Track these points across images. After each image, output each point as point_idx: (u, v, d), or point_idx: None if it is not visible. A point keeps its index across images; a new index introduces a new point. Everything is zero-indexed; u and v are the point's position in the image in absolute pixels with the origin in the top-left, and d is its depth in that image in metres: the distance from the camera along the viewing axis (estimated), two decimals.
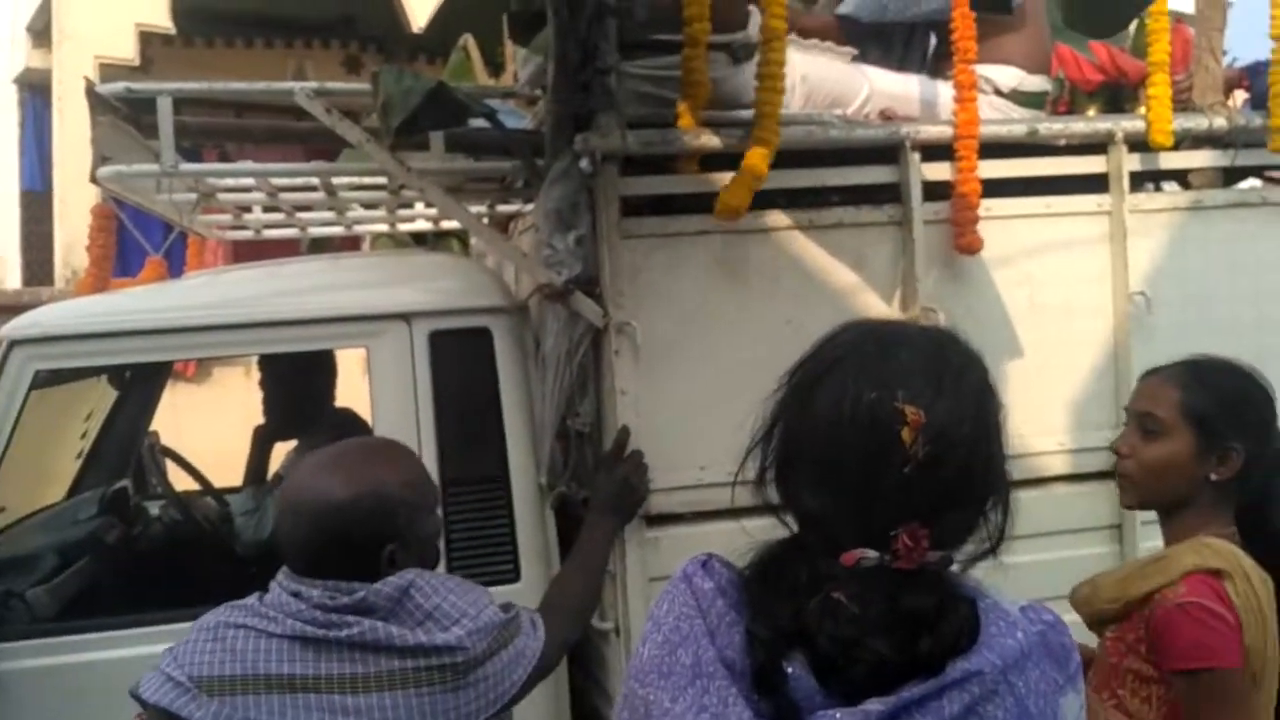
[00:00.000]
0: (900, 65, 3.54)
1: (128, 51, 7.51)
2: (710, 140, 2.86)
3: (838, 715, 1.02)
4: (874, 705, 1.02)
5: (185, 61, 8.01)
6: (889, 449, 1.05)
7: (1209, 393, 1.88)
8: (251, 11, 8.17)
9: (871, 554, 1.05)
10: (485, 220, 3.89)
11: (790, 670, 1.05)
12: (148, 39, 7.70)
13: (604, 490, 2.70)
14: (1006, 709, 1.04)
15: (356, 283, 3.09)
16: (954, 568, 1.12)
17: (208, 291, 3.07)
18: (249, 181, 3.36)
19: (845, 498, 1.08)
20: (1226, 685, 1.69)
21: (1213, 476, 1.85)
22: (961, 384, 1.11)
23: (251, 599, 1.69)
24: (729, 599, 1.12)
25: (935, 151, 2.99)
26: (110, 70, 7.02)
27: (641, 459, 2.74)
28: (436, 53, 7.70)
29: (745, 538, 1.19)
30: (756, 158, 2.70)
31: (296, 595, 1.64)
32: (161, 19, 7.53)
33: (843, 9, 3.62)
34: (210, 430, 5.71)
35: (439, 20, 7.26)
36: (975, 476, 1.10)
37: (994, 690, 1.03)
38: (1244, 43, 3.61)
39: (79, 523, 3.33)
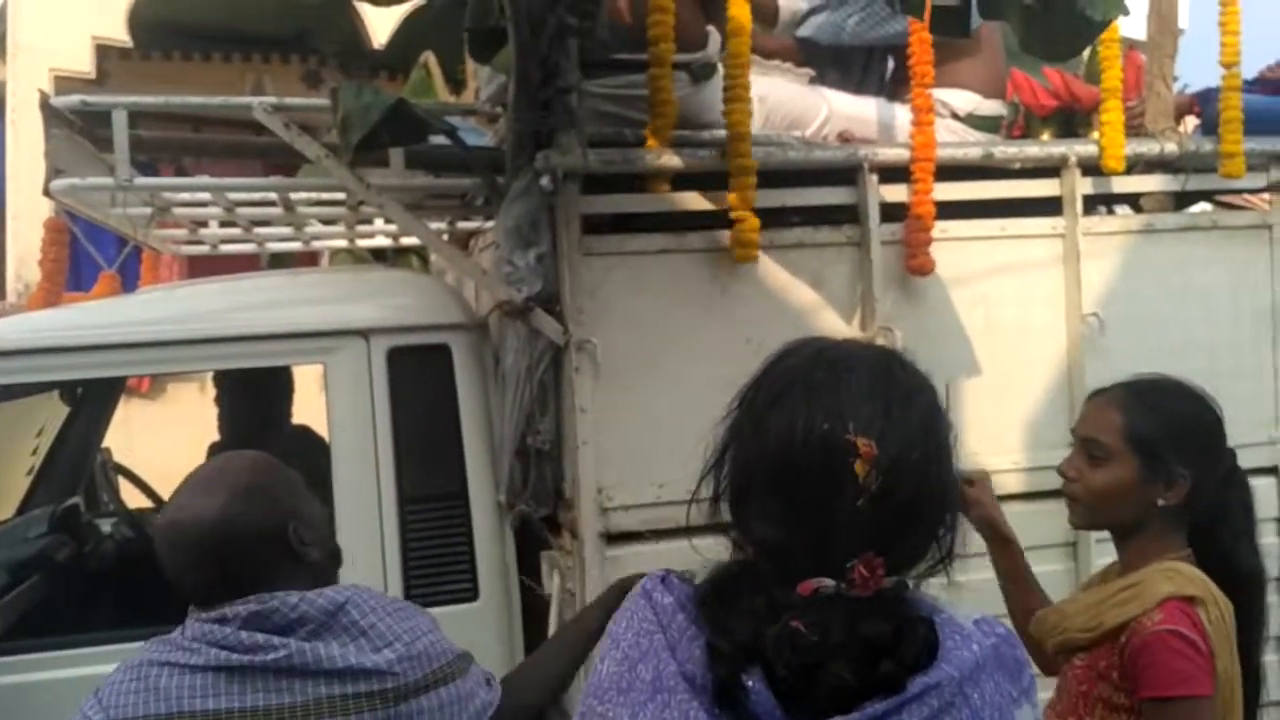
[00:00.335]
0: (858, 88, 3.59)
1: (84, 64, 7.41)
2: (671, 160, 2.88)
3: None
4: None
5: (142, 75, 7.90)
6: (842, 481, 1.05)
7: (1153, 417, 1.85)
8: (209, 25, 8.08)
9: (829, 583, 1.05)
10: (445, 237, 3.88)
11: (750, 684, 1.05)
12: (104, 52, 7.60)
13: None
14: None
15: (314, 298, 3.08)
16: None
17: (163, 306, 3.04)
18: (205, 196, 3.33)
19: (799, 528, 1.08)
20: (1199, 714, 1.69)
21: (1160, 502, 1.84)
22: (911, 409, 1.11)
23: (175, 632, 1.60)
24: (688, 614, 1.12)
25: (893, 173, 3.03)
26: (66, 83, 6.93)
27: None
28: (397, 69, 7.67)
29: (709, 555, 1.19)
30: (740, 190, 2.79)
31: (221, 620, 1.55)
32: (118, 32, 7.44)
33: (802, 32, 3.66)
34: (164, 446, 5.62)
35: (399, 37, 7.24)
36: (928, 502, 1.10)
37: (950, 703, 1.04)
38: (1195, 70, 3.68)
39: (29, 540, 3.27)
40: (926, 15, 2.41)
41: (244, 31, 8.17)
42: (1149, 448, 1.84)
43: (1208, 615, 1.73)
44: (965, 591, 1.17)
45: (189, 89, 6.75)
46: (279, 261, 4.38)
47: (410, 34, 6.80)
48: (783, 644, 1.04)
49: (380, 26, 7.44)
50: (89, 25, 7.41)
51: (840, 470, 1.05)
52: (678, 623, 1.11)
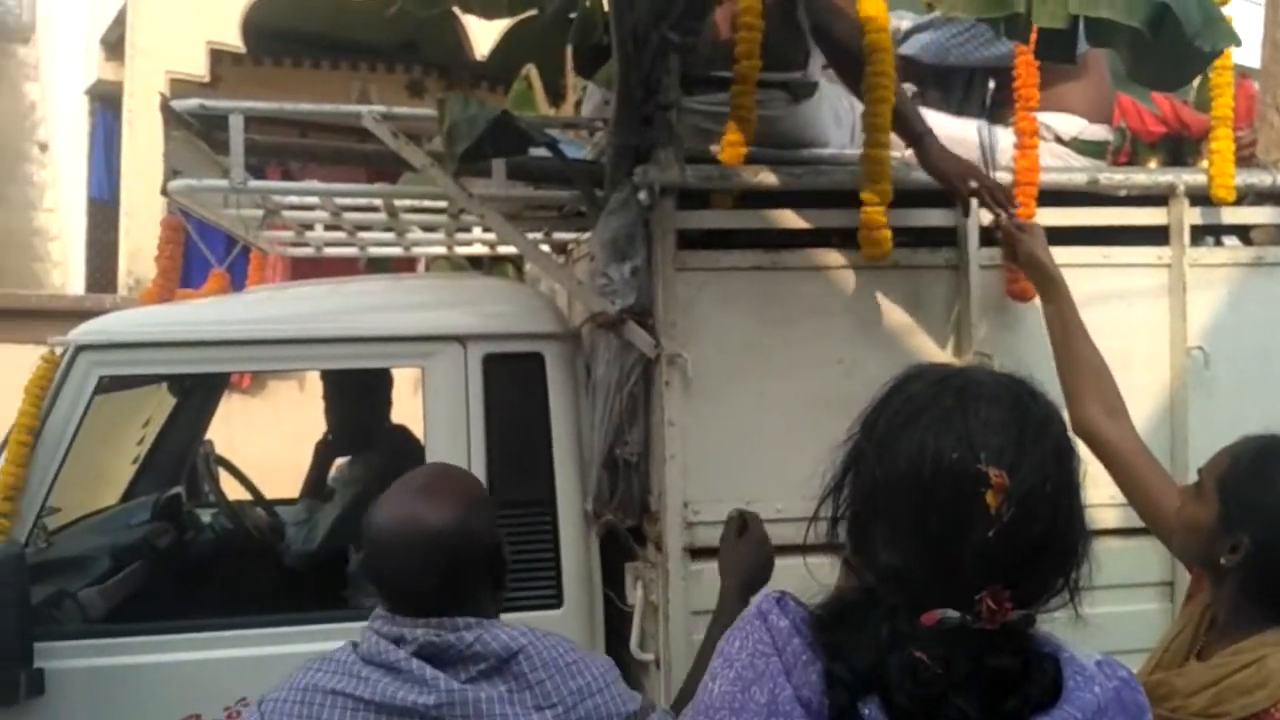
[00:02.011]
0: (960, 109, 3.55)
1: (198, 68, 7.69)
2: (768, 178, 2.88)
3: None
4: None
5: (253, 80, 8.18)
6: (972, 512, 1.04)
7: (1250, 473, 1.81)
8: (319, 34, 8.34)
9: (953, 614, 1.04)
10: (541, 247, 3.94)
11: (867, 713, 1.04)
12: (218, 57, 7.88)
13: (741, 567, 2.11)
14: None
15: (414, 304, 3.15)
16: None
17: (269, 306, 3.14)
18: (313, 200, 3.43)
19: (926, 558, 1.08)
20: None
21: (1221, 560, 1.79)
22: (1042, 441, 1.10)
23: (346, 649, 1.62)
24: (804, 638, 1.11)
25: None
26: (180, 86, 7.19)
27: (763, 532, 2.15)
28: (498, 80, 7.81)
29: (792, 574, 1.19)
30: (874, 183, 2.76)
31: (398, 641, 1.57)
32: (232, 38, 7.71)
33: (905, 49, 3.64)
34: (262, 442, 5.80)
35: (501, 48, 7.32)
36: (1058, 536, 1.09)
37: None
38: None
39: (132, 527, 3.40)
40: (1033, 39, 2.38)
41: (352, 40, 8.40)
42: (1230, 500, 1.80)
43: None
44: (1092, 628, 1.15)
45: (298, 94, 6.96)
46: (377, 265, 4.48)
47: (512, 46, 6.85)
48: (905, 675, 1.03)
49: (483, 38, 7.59)
50: (204, 30, 7.69)
51: (971, 501, 1.05)
52: (793, 647, 1.10)
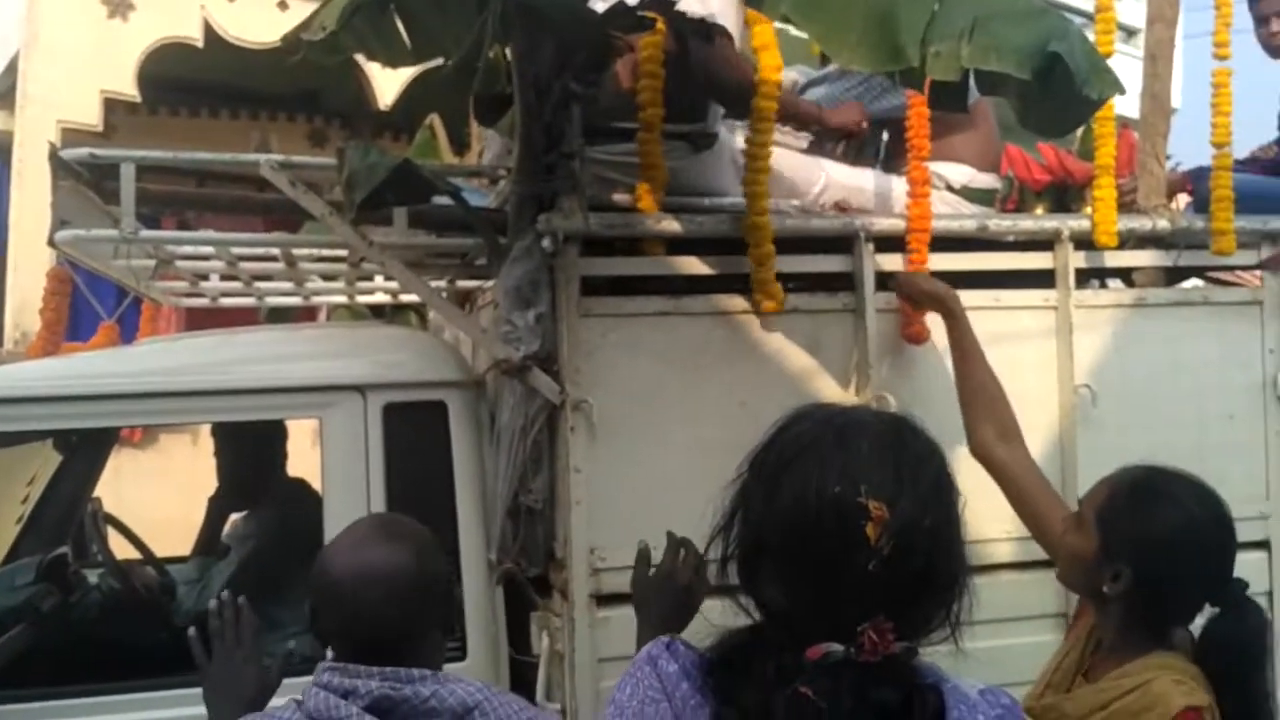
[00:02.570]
0: (855, 159, 3.64)
1: (92, 118, 7.49)
2: (671, 225, 2.92)
3: None
4: None
5: (148, 130, 8.00)
6: (853, 545, 1.06)
7: (1127, 506, 1.87)
8: (216, 83, 8.20)
9: (837, 648, 1.06)
10: (444, 295, 3.91)
11: None
12: (112, 106, 7.69)
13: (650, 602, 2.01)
14: None
15: (311, 353, 3.09)
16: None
17: (161, 358, 3.05)
18: (207, 249, 3.36)
19: (810, 592, 1.09)
20: None
21: (1104, 589, 1.85)
22: (921, 474, 1.13)
23: (290, 708, 1.56)
24: (693, 682, 1.12)
25: (889, 243, 3.07)
26: (73, 136, 7.00)
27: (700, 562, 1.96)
28: (402, 130, 7.78)
29: (696, 620, 1.19)
30: (758, 248, 2.87)
31: (348, 695, 1.52)
32: (127, 87, 7.53)
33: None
34: (154, 497, 5.60)
35: (405, 98, 7.35)
36: (939, 568, 1.12)
37: None
38: (1187, 148, 3.74)
39: (15, 589, 3.24)
40: (926, 89, 2.46)
41: (251, 90, 8.29)
42: (1109, 531, 1.85)
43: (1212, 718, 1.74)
44: (972, 661, 1.17)
45: (195, 144, 6.82)
46: (277, 316, 4.40)
47: (416, 96, 6.91)
48: (791, 712, 1.04)
49: (387, 87, 7.55)
50: (98, 79, 7.50)
51: (852, 534, 1.07)
52: (682, 691, 1.11)
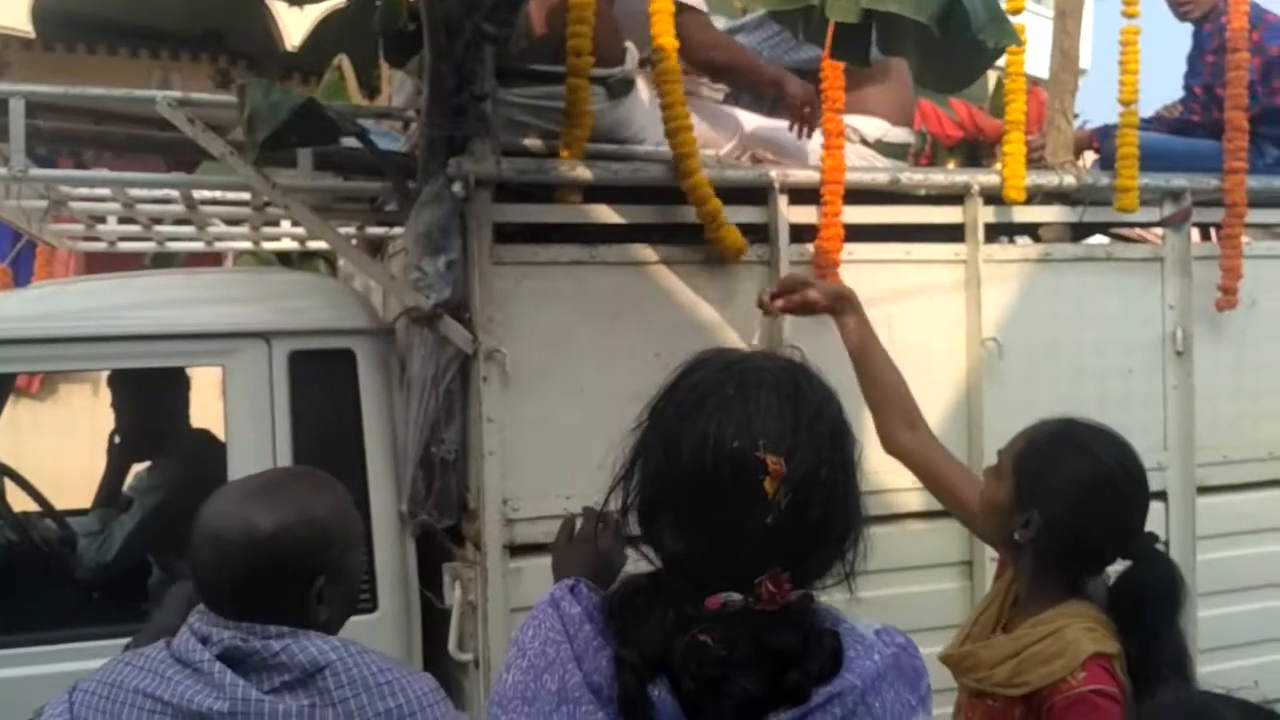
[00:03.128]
0: (771, 110, 3.63)
1: None
2: (584, 172, 2.88)
3: None
4: None
5: (44, 67, 7.65)
6: (751, 498, 1.06)
7: (1042, 453, 1.90)
8: (116, 20, 7.86)
9: (736, 597, 1.06)
10: (354, 242, 3.82)
11: (656, 694, 1.06)
12: (6, 42, 7.34)
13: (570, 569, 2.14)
14: None
15: (214, 298, 2.99)
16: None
17: (55, 302, 2.93)
18: (104, 191, 3.23)
19: (708, 543, 1.09)
20: None
21: (1015, 535, 1.89)
22: (819, 425, 1.12)
23: (160, 646, 1.55)
24: (596, 624, 1.12)
25: (803, 195, 3.07)
26: None
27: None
28: (310, 72, 7.54)
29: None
30: (703, 203, 2.85)
31: (205, 641, 1.51)
32: (20, 22, 7.19)
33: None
34: (55, 449, 5.43)
35: (313, 39, 7.12)
36: (835, 519, 1.12)
37: (853, 711, 1.06)
38: (1096, 107, 3.80)
39: None
40: (828, 40, 2.45)
41: (153, 27, 7.97)
42: (1022, 480, 1.89)
43: (1119, 668, 1.78)
44: (866, 606, 1.18)
45: (93, 83, 6.53)
46: (167, 261, 4.25)
47: (324, 36, 6.70)
48: (689, 657, 1.05)
49: (294, 28, 7.31)
50: None
51: (750, 487, 1.07)
52: (584, 633, 1.11)
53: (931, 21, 2.14)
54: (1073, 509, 1.85)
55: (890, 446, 2.26)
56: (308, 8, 4.97)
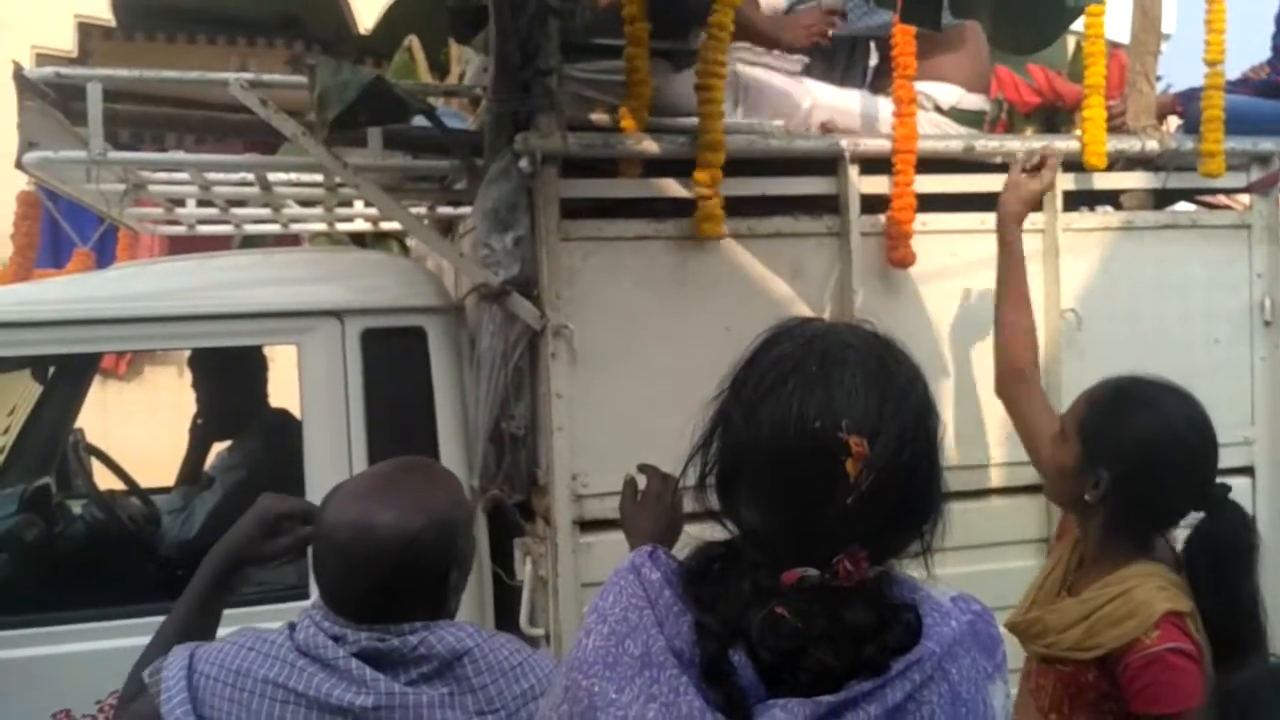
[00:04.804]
0: (843, 80, 3.57)
1: (66, 43, 7.35)
2: (651, 146, 2.86)
3: (791, 704, 1.03)
4: (825, 697, 1.03)
5: (125, 55, 7.83)
6: (833, 479, 1.05)
7: (1107, 414, 1.88)
8: (194, 7, 8.02)
9: (813, 573, 1.06)
10: (425, 221, 3.85)
11: (736, 660, 1.06)
12: (87, 31, 7.54)
13: (642, 530, 1.92)
14: (941, 694, 1.06)
15: (288, 278, 3.03)
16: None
17: (134, 283, 2.99)
18: (183, 175, 3.29)
19: (786, 520, 1.09)
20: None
21: (1086, 497, 1.87)
22: (904, 406, 1.10)
23: (282, 634, 1.53)
24: (675, 590, 1.12)
25: (874, 165, 3.02)
26: (47, 60, 6.85)
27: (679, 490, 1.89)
28: (384, 55, 7.55)
29: (690, 542, 1.19)
30: (704, 176, 2.78)
31: (338, 640, 1.49)
32: (102, 11, 7.38)
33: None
34: (141, 429, 5.59)
35: (386, 22, 7.17)
36: (915, 501, 1.11)
37: (930, 677, 1.05)
38: (1182, 73, 3.65)
39: None
40: (899, 6, 2.40)
41: (228, 14, 8.11)
42: (1089, 441, 1.88)
43: (1195, 626, 1.77)
44: (944, 583, 1.17)
45: (173, 70, 6.68)
46: (253, 244, 4.33)
47: (396, 19, 6.75)
48: (767, 629, 1.04)
49: (368, 12, 7.39)
50: (73, 4, 7.35)
51: (832, 468, 1.05)
52: (665, 599, 1.11)
53: None
54: (1142, 465, 1.83)
55: (1004, 390, 2.43)
56: None
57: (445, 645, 1.52)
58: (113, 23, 7.43)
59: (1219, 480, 1.88)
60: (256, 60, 8.36)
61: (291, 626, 1.55)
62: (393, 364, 2.87)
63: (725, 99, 2.96)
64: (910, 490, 1.09)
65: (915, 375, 1.15)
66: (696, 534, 1.19)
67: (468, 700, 1.52)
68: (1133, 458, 1.83)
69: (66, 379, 3.67)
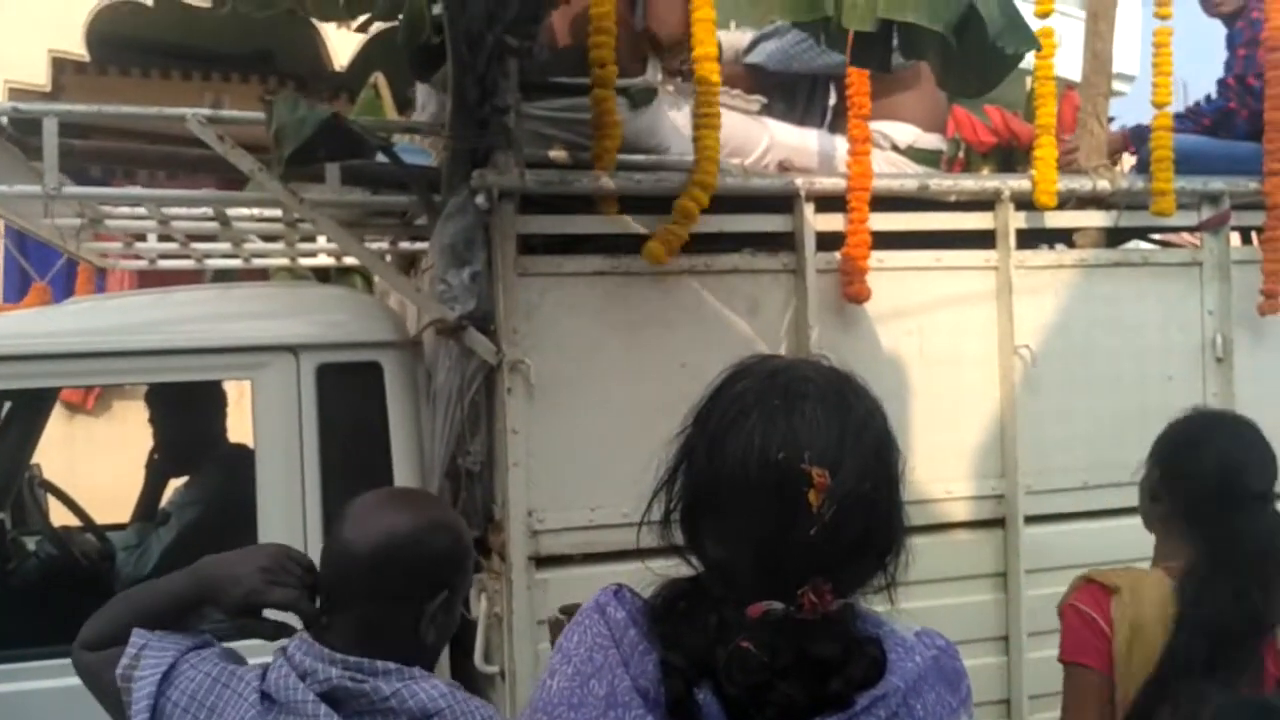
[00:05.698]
0: (802, 119, 3.62)
1: (39, 77, 7.34)
2: (608, 183, 2.88)
3: None
4: None
5: (98, 90, 7.81)
6: (796, 511, 1.06)
7: (1164, 437, 2.02)
8: (168, 42, 8.03)
9: (777, 606, 1.06)
10: (388, 257, 3.86)
11: (701, 697, 1.05)
12: (61, 66, 7.53)
13: None
14: None
15: (243, 313, 3.03)
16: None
17: (87, 317, 2.98)
18: (141, 210, 3.29)
19: (750, 553, 1.09)
20: (1079, 680, 1.90)
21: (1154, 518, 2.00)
22: (864, 438, 1.11)
23: (254, 676, 1.50)
24: (640, 628, 1.12)
25: (829, 203, 3.05)
26: (20, 96, 6.85)
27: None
28: (359, 91, 7.64)
29: (640, 579, 1.19)
30: (689, 200, 2.81)
31: (307, 676, 1.47)
32: (75, 46, 7.38)
33: (752, 58, 3.70)
34: (110, 465, 5.52)
35: (362, 59, 7.20)
36: (878, 532, 1.11)
37: (895, 713, 1.06)
38: (1146, 117, 3.66)
39: None
40: (848, 46, 2.43)
41: (204, 49, 8.13)
42: (1152, 460, 2.01)
43: (1119, 603, 1.88)
44: (903, 617, 1.18)
45: (147, 105, 6.67)
46: (226, 278, 4.32)
47: (372, 56, 6.77)
48: (733, 664, 1.04)
49: (343, 49, 7.42)
50: (46, 39, 7.35)
51: (794, 499, 1.06)
52: (630, 637, 1.11)
53: (947, 30, 2.13)
54: (1186, 483, 1.94)
55: None
56: (358, 30, 5.00)
57: (416, 701, 1.48)
58: (86, 58, 7.43)
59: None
60: (230, 95, 8.38)
61: (263, 672, 1.52)
62: (348, 399, 2.86)
63: (677, 136, 3.00)
64: (872, 521, 1.10)
65: (875, 408, 1.16)
66: (662, 571, 1.19)
67: None
68: (1177, 473, 1.97)
69: (21, 414, 3.63)
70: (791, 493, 1.06)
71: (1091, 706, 1.89)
